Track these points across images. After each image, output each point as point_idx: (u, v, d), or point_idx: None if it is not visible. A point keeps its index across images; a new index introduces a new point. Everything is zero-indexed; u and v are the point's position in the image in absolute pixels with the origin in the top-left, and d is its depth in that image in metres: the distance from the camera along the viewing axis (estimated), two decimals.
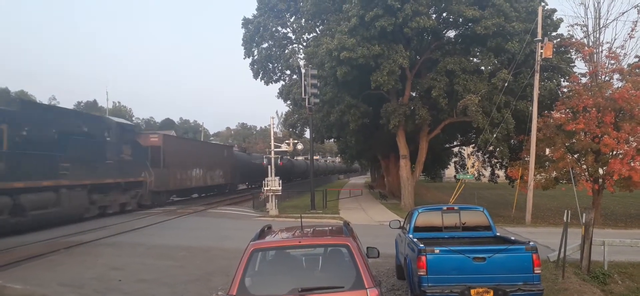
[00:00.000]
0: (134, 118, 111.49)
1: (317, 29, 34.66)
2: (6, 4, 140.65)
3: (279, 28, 38.24)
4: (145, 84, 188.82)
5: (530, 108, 23.80)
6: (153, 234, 18.37)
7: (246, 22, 38.71)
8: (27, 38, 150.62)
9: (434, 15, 26.78)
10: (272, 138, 28.52)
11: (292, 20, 38.31)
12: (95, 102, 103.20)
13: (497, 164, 34.88)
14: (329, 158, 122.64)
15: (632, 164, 21.60)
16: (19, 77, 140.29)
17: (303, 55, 34.00)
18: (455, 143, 42.27)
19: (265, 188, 26.52)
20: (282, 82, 40.82)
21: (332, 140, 50.56)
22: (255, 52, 39.05)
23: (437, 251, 7.61)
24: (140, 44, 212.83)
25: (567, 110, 23.84)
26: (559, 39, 26.59)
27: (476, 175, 35.44)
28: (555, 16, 26.63)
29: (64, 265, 12.69)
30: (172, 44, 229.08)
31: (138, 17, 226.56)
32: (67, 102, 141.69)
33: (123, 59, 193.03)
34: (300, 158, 65.70)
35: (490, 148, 27.74)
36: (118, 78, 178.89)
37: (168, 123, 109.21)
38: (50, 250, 14.51)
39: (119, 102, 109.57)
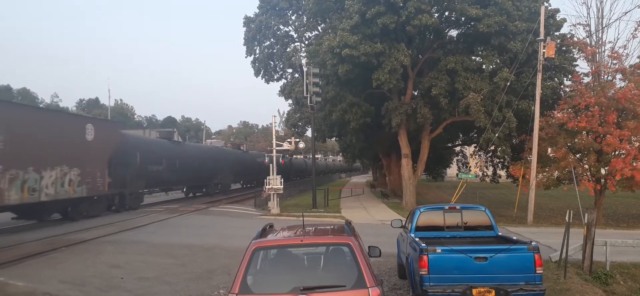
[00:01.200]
0: (135, 116, 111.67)
1: (319, 27, 34.67)
2: (8, 2, 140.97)
3: (281, 26, 38.26)
4: (147, 82, 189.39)
5: (533, 107, 23.75)
6: (154, 232, 18.38)
7: (248, 21, 38.73)
8: (29, 36, 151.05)
9: (436, 14, 26.73)
10: (273, 137, 28.50)
11: (293, 18, 38.34)
12: (97, 99, 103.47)
13: (499, 164, 34.83)
14: (330, 156, 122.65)
15: (635, 164, 21.52)
16: (21, 75, 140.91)
17: (305, 53, 33.99)
18: (457, 142, 42.25)
19: (267, 187, 26.52)
20: (283, 81, 40.87)
21: (333, 139, 50.46)
22: (257, 51, 39.11)
23: (438, 250, 7.60)
24: (143, 43, 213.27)
25: (570, 109, 23.77)
26: (561, 39, 26.53)
27: (480, 175, 35.41)
28: (558, 16, 26.60)
29: (65, 262, 12.70)
30: (175, 43, 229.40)
31: (141, 15, 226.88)
32: (69, 100, 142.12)
33: (125, 56, 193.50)
34: (299, 156, 65.43)
35: (492, 148, 27.70)
36: (120, 76, 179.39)
37: (170, 121, 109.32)
38: (51, 247, 14.51)
39: (121, 100, 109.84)
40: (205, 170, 36.30)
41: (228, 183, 43.36)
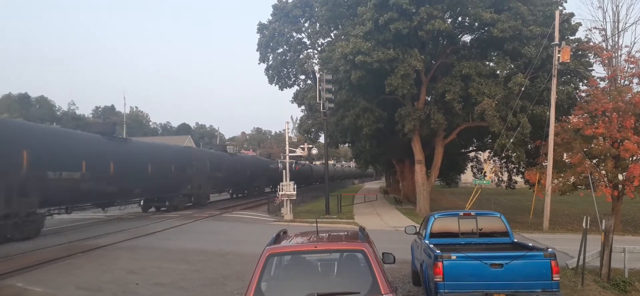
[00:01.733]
0: (150, 123, 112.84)
1: (332, 34, 34.73)
2: (25, 11, 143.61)
3: (294, 33, 38.41)
4: (162, 89, 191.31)
5: (548, 113, 23.50)
6: (169, 238, 18.52)
7: (261, 28, 38.96)
8: (45, 44, 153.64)
9: (450, 19, 26.64)
10: (286, 143, 28.60)
11: (306, 25, 38.46)
12: (113, 107, 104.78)
13: (514, 170, 34.51)
14: (343, 162, 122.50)
15: None
16: (38, 84, 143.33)
17: (317, 60, 34.07)
18: (471, 148, 41.94)
19: (280, 193, 26.58)
20: (296, 87, 40.97)
21: (346, 145, 50.43)
22: (270, 58, 39.28)
23: (453, 257, 7.55)
24: (158, 50, 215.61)
25: (585, 114, 23.49)
26: (576, 43, 26.26)
27: (496, 180, 35.08)
28: (573, 20, 26.34)
29: (81, 268, 12.85)
30: (189, 50, 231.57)
31: (156, 21, 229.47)
32: (85, 108, 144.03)
33: (141, 64, 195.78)
34: (311, 163, 65.60)
35: (507, 153, 27.45)
36: (136, 84, 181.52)
37: (185, 128, 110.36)
38: (68, 253, 14.70)
39: (136, 108, 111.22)
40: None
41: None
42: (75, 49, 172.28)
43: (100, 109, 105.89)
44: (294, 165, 29.45)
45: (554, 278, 7.37)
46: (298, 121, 39.86)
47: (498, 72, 26.49)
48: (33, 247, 15.63)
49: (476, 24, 26.23)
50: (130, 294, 10.45)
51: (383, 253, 6.85)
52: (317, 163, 71.10)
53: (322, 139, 37.09)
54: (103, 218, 25.37)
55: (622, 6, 55.53)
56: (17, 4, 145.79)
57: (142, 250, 15.89)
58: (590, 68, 26.48)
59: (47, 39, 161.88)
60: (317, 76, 27.30)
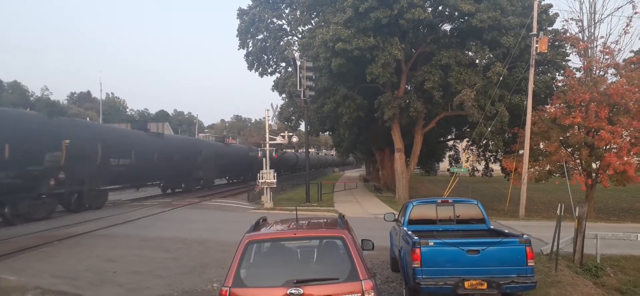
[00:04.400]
0: (127, 110, 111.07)
1: (312, 21, 34.56)
2: None
3: (274, 19, 38.11)
4: (140, 76, 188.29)
5: (525, 102, 23.88)
6: (148, 226, 18.33)
7: (241, 13, 38.53)
8: (17, 28, 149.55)
9: (430, 8, 26.73)
10: (266, 131, 28.48)
11: (287, 11, 38.16)
12: (88, 93, 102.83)
13: (491, 158, 34.99)
14: (323, 150, 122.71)
15: (626, 159, 21.71)
16: (11, 68, 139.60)
17: (298, 46, 33.90)
18: (449, 137, 42.36)
19: (260, 181, 26.52)
20: (277, 75, 40.75)
21: (327, 133, 50.48)
22: (250, 44, 38.92)
23: (431, 243, 7.64)
24: (136, 35, 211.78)
25: (563, 104, 23.91)
26: (554, 34, 26.64)
27: (470, 170, 35.57)
28: (551, 11, 26.71)
29: (58, 256, 12.65)
30: (168, 36, 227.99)
31: (134, 7, 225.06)
32: (61, 93, 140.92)
33: (118, 50, 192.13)
34: (290, 151, 65.29)
35: (485, 142, 27.81)
36: (112, 69, 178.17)
37: (162, 115, 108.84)
38: (44, 241, 14.46)
39: (113, 94, 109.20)
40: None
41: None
42: (49, 35, 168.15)
43: (75, 95, 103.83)
44: (273, 153, 29.36)
45: (529, 264, 7.52)
46: (278, 109, 39.72)
47: (477, 61, 26.74)
48: (8, 235, 15.30)
49: (456, 13, 26.37)
50: (108, 282, 10.33)
51: (362, 240, 6.90)
52: (298, 151, 70.96)
53: (302, 127, 37.05)
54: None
55: None
56: None
57: (119, 237, 15.71)
58: (567, 59, 26.95)
59: (19, 24, 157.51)
60: (298, 63, 27.14)
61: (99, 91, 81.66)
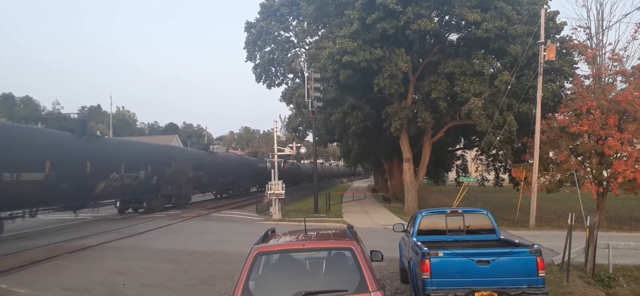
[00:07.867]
0: (137, 123, 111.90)
1: (319, 33, 34.72)
2: (9, 9, 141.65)
3: (282, 32, 38.38)
4: (149, 89, 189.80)
5: (534, 111, 23.72)
6: (157, 238, 18.39)
7: (249, 26, 38.85)
8: (29, 43, 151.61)
9: (436, 19, 26.75)
10: (275, 142, 28.54)
11: (294, 24, 38.45)
12: (99, 107, 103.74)
13: (501, 168, 34.79)
14: (332, 161, 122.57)
15: (637, 166, 21.47)
16: (23, 82, 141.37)
17: (305, 59, 34.05)
18: (458, 146, 42.16)
19: (269, 192, 26.51)
20: (284, 86, 40.95)
21: (335, 144, 50.49)
22: (258, 56, 39.20)
23: (441, 254, 7.59)
24: (145, 49, 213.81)
25: (571, 112, 23.76)
26: (561, 42, 26.50)
27: (479, 179, 35.35)
28: (558, 19, 26.59)
29: (68, 269, 12.71)
30: (176, 50, 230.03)
31: (143, 21, 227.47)
32: (71, 107, 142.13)
33: (128, 64, 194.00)
34: (293, 161, 65.24)
35: (494, 151, 27.61)
36: (122, 83, 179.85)
37: (172, 127, 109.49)
38: (54, 254, 14.54)
39: (123, 107, 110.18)
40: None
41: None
42: (61, 49, 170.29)
43: (86, 109, 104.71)
44: (282, 164, 29.41)
45: (540, 275, 7.44)
46: (286, 120, 39.81)
47: (484, 70, 26.66)
48: (18, 248, 15.42)
49: (462, 23, 26.36)
50: (117, 295, 10.36)
51: (371, 251, 6.87)
52: (306, 161, 71.06)
53: (310, 138, 37.09)
54: (90, 218, 25.22)
55: (606, 4, 56.23)
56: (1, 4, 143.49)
57: (129, 250, 15.77)
58: (575, 66, 26.80)
59: (31, 39, 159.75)
60: (306, 74, 27.24)
61: (109, 105, 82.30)
